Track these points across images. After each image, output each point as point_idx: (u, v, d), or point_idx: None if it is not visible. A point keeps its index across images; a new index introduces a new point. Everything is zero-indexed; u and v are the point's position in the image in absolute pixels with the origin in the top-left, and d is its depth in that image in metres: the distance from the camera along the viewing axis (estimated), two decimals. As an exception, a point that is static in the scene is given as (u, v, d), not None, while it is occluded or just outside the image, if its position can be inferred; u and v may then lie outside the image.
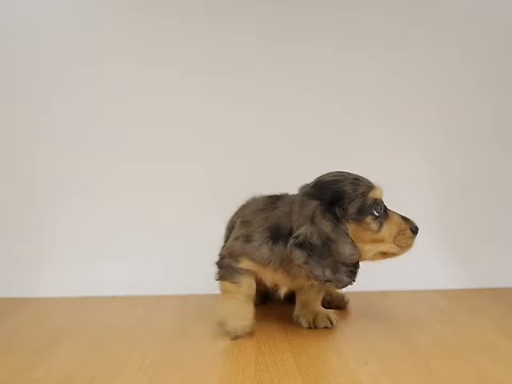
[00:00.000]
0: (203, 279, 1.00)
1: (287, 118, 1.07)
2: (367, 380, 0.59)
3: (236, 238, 0.78)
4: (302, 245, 0.68)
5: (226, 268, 0.79)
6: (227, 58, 1.06)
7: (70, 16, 1.05)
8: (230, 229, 0.86)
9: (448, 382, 0.59)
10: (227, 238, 0.86)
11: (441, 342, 0.73)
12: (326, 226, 0.69)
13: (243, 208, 0.86)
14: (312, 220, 0.69)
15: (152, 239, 1.05)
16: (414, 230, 0.73)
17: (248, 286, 0.78)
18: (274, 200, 0.79)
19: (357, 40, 1.08)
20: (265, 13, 1.06)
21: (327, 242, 0.68)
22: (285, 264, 0.74)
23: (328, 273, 0.68)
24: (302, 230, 0.69)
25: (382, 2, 1.07)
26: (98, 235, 1.04)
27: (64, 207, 1.05)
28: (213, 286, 0.99)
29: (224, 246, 0.82)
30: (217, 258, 0.82)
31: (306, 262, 0.68)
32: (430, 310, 0.90)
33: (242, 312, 0.76)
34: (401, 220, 0.74)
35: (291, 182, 1.03)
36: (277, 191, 0.82)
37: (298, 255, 0.68)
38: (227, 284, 0.78)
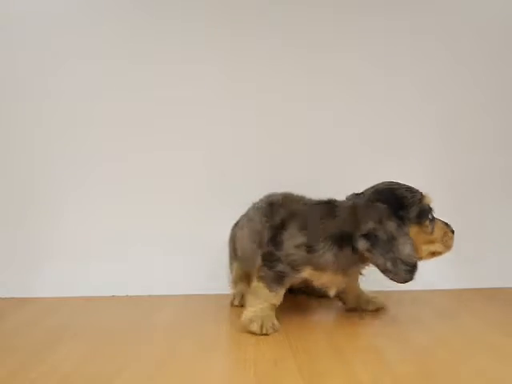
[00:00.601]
0: (203, 279, 1.01)
1: (288, 117, 1.07)
2: (367, 380, 0.59)
3: (297, 247, 0.80)
4: (367, 236, 0.76)
5: (277, 273, 0.80)
6: (227, 57, 1.06)
7: (69, 15, 1.05)
8: (255, 232, 0.87)
9: (448, 381, 0.59)
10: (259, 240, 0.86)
11: (441, 341, 0.73)
12: (391, 226, 0.76)
13: (271, 209, 0.87)
14: (379, 221, 0.76)
15: (152, 239, 1.05)
16: (453, 231, 0.82)
17: (279, 297, 0.82)
18: (330, 208, 0.82)
19: (357, 40, 1.08)
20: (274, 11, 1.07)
21: (391, 239, 0.75)
22: (346, 267, 0.80)
23: (389, 264, 0.75)
24: (369, 226, 0.76)
25: (382, 3, 1.08)
26: (98, 235, 1.04)
27: (64, 207, 1.05)
28: (213, 286, 1.00)
29: (278, 248, 0.81)
30: (268, 256, 0.81)
31: (369, 250, 0.75)
32: (429, 309, 0.90)
33: (269, 315, 0.79)
34: (443, 223, 0.82)
35: (292, 181, 1.03)
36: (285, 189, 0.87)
37: (363, 243, 0.76)
38: (262, 287, 0.80)
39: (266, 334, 0.76)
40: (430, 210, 0.80)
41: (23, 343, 0.74)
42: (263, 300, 0.80)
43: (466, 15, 1.09)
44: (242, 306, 0.87)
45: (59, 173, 1.05)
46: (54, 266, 1.03)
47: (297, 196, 0.89)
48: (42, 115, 1.05)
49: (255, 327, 0.76)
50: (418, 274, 1.00)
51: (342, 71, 1.08)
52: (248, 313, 0.79)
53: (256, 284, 0.81)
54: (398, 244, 0.75)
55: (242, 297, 0.91)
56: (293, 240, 0.81)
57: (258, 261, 0.83)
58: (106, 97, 1.05)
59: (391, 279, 0.76)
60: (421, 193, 0.80)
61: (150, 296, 1.01)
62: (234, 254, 0.97)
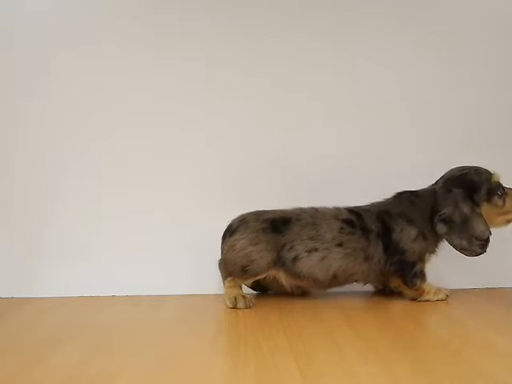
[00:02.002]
0: (204, 279, 1.01)
1: (288, 117, 1.07)
2: (367, 380, 0.59)
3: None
4: (445, 220, 0.90)
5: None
6: (228, 55, 1.06)
7: (69, 14, 1.05)
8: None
9: (448, 381, 0.59)
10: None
11: (441, 341, 0.73)
12: (466, 208, 0.89)
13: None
14: (455, 204, 0.90)
15: (152, 239, 1.05)
16: None
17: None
18: (414, 196, 0.96)
19: (356, 40, 1.08)
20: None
21: (466, 220, 0.89)
22: (436, 246, 0.96)
23: (464, 243, 0.89)
24: (446, 210, 0.90)
25: (382, 3, 1.08)
26: (98, 235, 1.04)
27: (64, 207, 1.05)
28: (213, 286, 1.00)
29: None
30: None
31: (447, 233, 0.90)
32: (429, 309, 0.90)
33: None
34: None
35: (292, 177, 1.03)
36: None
37: (442, 227, 0.90)
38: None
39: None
40: (497, 186, 0.91)
41: (23, 343, 0.74)
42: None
43: (467, 16, 1.09)
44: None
45: (59, 173, 1.05)
46: (53, 265, 1.03)
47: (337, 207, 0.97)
48: (40, 115, 1.05)
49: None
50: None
51: (342, 68, 1.08)
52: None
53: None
54: (473, 224, 0.88)
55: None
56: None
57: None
58: (105, 96, 1.06)
59: (467, 255, 0.90)
60: (488, 172, 0.92)
61: (149, 296, 1.01)
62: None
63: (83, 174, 1.05)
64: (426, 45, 1.09)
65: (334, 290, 1.01)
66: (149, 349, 0.70)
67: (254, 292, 1.02)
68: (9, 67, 1.05)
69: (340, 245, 0.92)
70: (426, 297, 0.93)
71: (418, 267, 0.92)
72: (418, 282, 0.92)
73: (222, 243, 0.96)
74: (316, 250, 0.92)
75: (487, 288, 1.04)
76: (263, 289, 1.02)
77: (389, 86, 1.09)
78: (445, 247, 0.97)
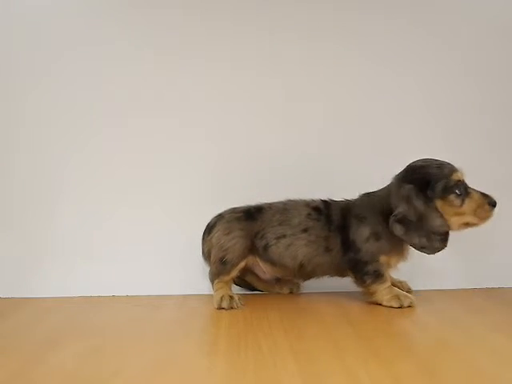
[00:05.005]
0: (204, 279, 1.01)
1: (284, 121, 1.07)
2: (367, 380, 0.59)
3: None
4: (400, 220, 0.85)
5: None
6: (227, 51, 1.07)
7: (69, 14, 1.05)
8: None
9: (448, 381, 0.59)
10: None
11: (441, 341, 0.73)
12: (420, 205, 0.84)
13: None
14: (407, 201, 0.85)
15: (152, 239, 1.05)
16: (492, 204, 0.86)
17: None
18: (371, 195, 0.93)
19: (356, 39, 1.08)
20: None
21: (421, 217, 0.85)
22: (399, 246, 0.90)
23: (424, 241, 0.85)
24: (400, 209, 0.85)
25: (382, 2, 1.08)
26: (98, 235, 1.04)
27: (64, 207, 1.05)
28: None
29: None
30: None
31: (405, 234, 0.85)
32: (429, 309, 0.90)
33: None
34: (481, 196, 0.86)
35: (290, 180, 1.03)
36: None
37: (398, 229, 0.85)
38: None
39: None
40: (457, 184, 0.85)
41: (23, 343, 0.74)
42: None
43: (468, 14, 1.09)
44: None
45: (59, 173, 1.05)
46: (53, 265, 1.03)
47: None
48: (40, 115, 1.05)
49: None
50: (420, 274, 1.00)
51: (342, 68, 1.08)
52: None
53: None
54: (428, 220, 0.84)
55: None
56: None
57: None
58: (105, 96, 1.06)
59: (428, 253, 0.86)
60: (451, 168, 0.86)
61: (149, 296, 1.01)
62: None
63: (83, 174, 1.05)
64: (427, 45, 1.09)
65: (334, 289, 1.01)
66: (148, 349, 0.70)
67: (250, 292, 1.03)
68: (9, 67, 1.05)
69: (305, 230, 0.93)
70: (378, 299, 0.91)
71: (370, 266, 0.90)
72: (369, 281, 0.91)
73: (202, 243, 0.98)
74: (284, 236, 0.94)
75: (487, 288, 1.04)
76: (251, 286, 1.03)
77: (389, 86, 1.09)
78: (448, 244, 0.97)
